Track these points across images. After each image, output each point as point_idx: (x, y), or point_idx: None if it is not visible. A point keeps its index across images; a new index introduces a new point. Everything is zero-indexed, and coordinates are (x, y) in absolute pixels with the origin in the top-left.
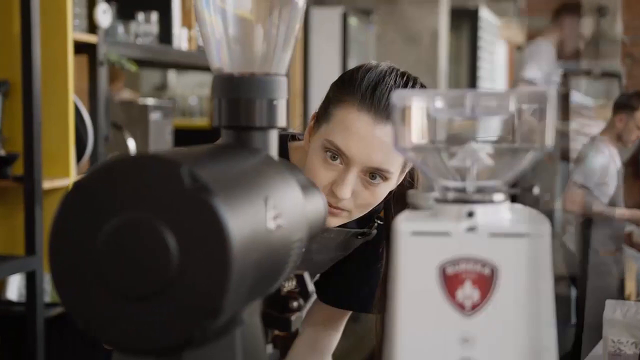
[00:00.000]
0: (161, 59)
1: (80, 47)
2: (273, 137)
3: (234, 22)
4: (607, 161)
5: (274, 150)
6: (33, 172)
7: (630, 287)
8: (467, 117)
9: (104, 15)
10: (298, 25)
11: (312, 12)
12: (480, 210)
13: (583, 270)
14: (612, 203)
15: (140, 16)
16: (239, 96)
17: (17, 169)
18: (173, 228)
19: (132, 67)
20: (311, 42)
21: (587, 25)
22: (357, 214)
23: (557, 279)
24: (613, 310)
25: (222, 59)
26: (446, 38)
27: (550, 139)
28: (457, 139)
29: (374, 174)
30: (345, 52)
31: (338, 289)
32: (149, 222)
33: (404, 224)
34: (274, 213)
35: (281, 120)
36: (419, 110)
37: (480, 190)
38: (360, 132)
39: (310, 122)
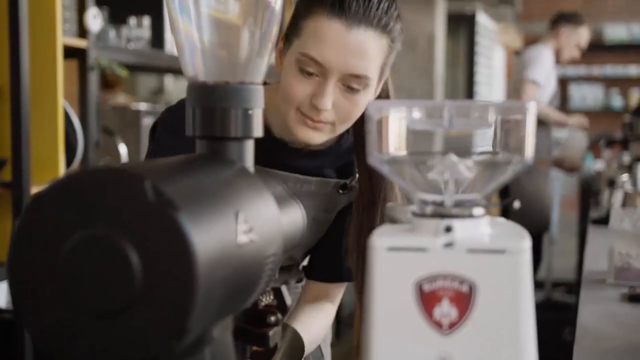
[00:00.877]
0: (153, 64)
1: (71, 52)
2: (249, 147)
3: (208, 29)
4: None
5: (249, 160)
6: (21, 178)
7: None
8: (445, 129)
9: (95, 19)
10: (275, 31)
11: None
12: (458, 225)
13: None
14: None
15: (132, 20)
16: (214, 105)
17: (5, 174)
18: (136, 244)
19: (123, 72)
20: None
21: (584, 34)
22: (341, 128)
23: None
24: (620, 219)
25: (196, 67)
26: (443, 43)
27: (530, 152)
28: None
29: (352, 85)
30: None
31: (323, 264)
32: (112, 237)
33: (380, 239)
34: (245, 227)
35: (257, 130)
36: (395, 121)
37: (459, 204)
38: (334, 40)
39: (279, 43)
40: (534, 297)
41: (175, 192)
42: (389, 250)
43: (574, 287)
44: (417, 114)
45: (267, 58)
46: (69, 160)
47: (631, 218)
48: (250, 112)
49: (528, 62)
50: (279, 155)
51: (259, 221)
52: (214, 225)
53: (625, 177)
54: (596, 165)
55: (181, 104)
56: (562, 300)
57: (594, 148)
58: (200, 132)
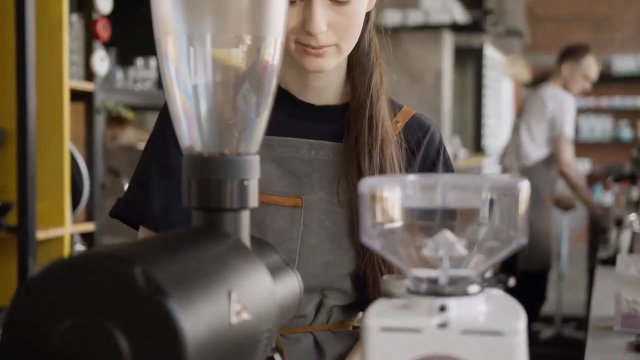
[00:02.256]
0: (160, 104)
1: (77, 95)
2: (245, 218)
3: (205, 100)
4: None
5: (245, 231)
6: (27, 223)
7: None
8: (439, 206)
9: (101, 62)
10: (270, 100)
11: None
12: (453, 303)
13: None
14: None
15: (139, 61)
16: (209, 177)
17: (11, 218)
18: (126, 331)
19: (129, 115)
20: None
21: (589, 64)
22: (347, 46)
23: None
24: (626, 265)
25: (192, 138)
26: (450, 78)
27: (523, 232)
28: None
29: None
30: None
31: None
32: (102, 325)
33: (374, 319)
34: (239, 307)
35: (253, 201)
36: (388, 198)
37: (453, 281)
38: None
39: None
40: None
41: (166, 277)
42: (382, 330)
43: (584, 323)
44: (410, 191)
45: (264, 126)
46: (75, 203)
47: (637, 264)
48: (246, 183)
49: (559, 115)
50: (295, 115)
51: (252, 298)
52: (206, 308)
53: (633, 216)
54: (605, 197)
55: None
56: (572, 337)
57: (603, 180)
58: (195, 203)
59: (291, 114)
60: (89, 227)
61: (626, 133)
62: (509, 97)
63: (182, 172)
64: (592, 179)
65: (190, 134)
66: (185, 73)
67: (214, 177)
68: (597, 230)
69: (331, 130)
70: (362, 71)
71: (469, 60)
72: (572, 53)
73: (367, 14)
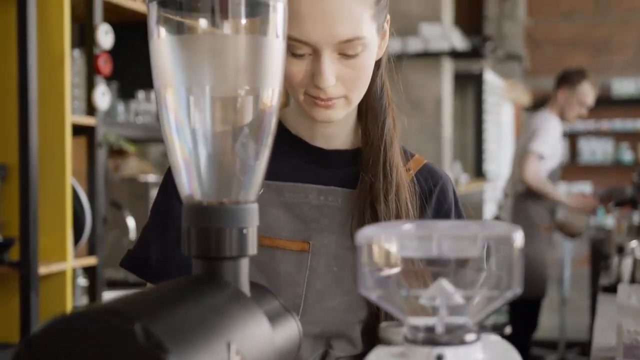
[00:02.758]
0: (160, 137)
1: (79, 129)
2: (244, 266)
3: (204, 150)
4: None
5: (244, 279)
6: (29, 258)
7: None
8: (435, 257)
9: (103, 97)
10: (268, 148)
11: None
12: (450, 352)
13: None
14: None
15: (141, 95)
16: (209, 226)
17: (13, 253)
18: None
19: (130, 148)
20: None
21: (585, 90)
22: (355, 97)
23: None
24: (627, 295)
25: (191, 187)
26: (450, 104)
27: (519, 282)
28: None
29: (348, 52)
30: None
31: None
32: None
33: None
34: (238, 358)
35: (252, 249)
36: (385, 248)
37: (450, 329)
38: (309, 12)
39: None
40: None
41: (165, 331)
42: None
43: (587, 348)
44: (406, 243)
45: (263, 174)
46: (77, 237)
47: (638, 294)
48: (245, 231)
49: (534, 132)
50: (305, 160)
51: (251, 348)
52: None
53: (634, 243)
54: (607, 220)
55: None
56: None
57: (605, 203)
58: (195, 251)
59: (302, 159)
60: (91, 260)
61: (627, 156)
62: (510, 122)
63: (181, 220)
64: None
65: (189, 182)
66: (185, 123)
67: (213, 225)
68: (599, 256)
69: (342, 175)
70: (375, 117)
71: (469, 85)
72: (567, 79)
73: (378, 60)
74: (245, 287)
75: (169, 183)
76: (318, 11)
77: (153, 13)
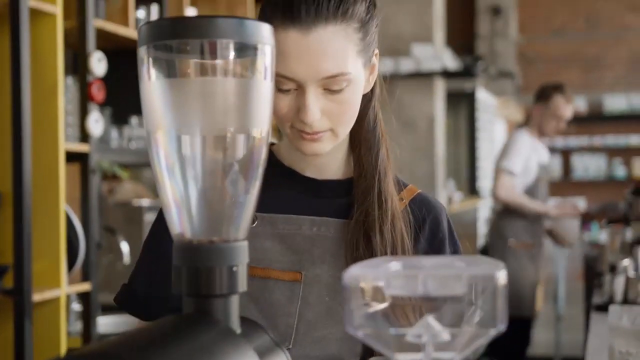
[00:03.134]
0: None
1: (73, 156)
2: (234, 302)
3: (194, 190)
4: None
5: (234, 316)
6: (23, 286)
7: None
8: (420, 296)
9: (96, 124)
10: (257, 186)
11: None
12: None
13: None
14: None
15: (134, 120)
16: (199, 264)
17: (7, 281)
18: None
19: (124, 175)
20: None
21: (558, 104)
22: (342, 130)
23: None
24: (619, 316)
25: (182, 226)
26: (443, 123)
27: (503, 319)
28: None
29: (333, 87)
30: None
31: None
32: None
33: None
34: None
35: (242, 285)
36: (371, 287)
37: None
38: (294, 49)
39: None
40: None
41: None
42: None
43: None
44: (392, 282)
45: (252, 213)
46: (71, 263)
47: (629, 315)
48: (235, 269)
49: (504, 149)
50: (298, 191)
51: None
52: None
53: (626, 261)
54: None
55: None
56: None
57: (599, 219)
58: (186, 289)
59: (295, 190)
60: (85, 287)
61: (620, 171)
62: (503, 139)
63: (172, 258)
64: (588, 218)
65: (180, 221)
66: (175, 163)
67: (203, 264)
68: (593, 272)
69: (335, 205)
70: (368, 148)
71: (462, 103)
72: (542, 94)
73: (372, 90)
74: (236, 324)
75: (160, 221)
76: (303, 49)
77: (144, 56)
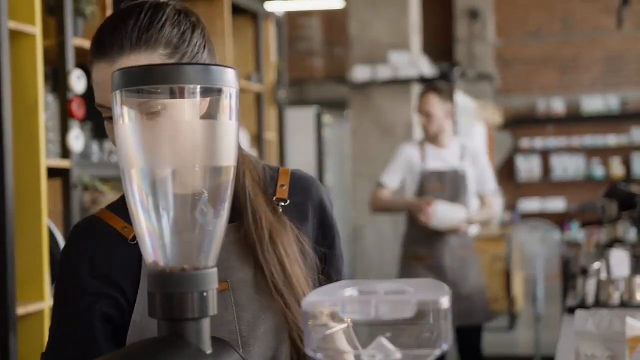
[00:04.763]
0: None
1: (54, 172)
2: (205, 325)
3: (165, 222)
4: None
5: (206, 337)
6: (7, 300)
7: None
8: (372, 319)
9: (77, 140)
10: (225, 216)
11: (287, 112)
12: None
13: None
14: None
15: None
16: (172, 291)
17: None
18: None
19: (105, 189)
20: (287, 141)
21: (419, 101)
22: None
23: None
24: (585, 321)
25: (156, 255)
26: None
27: (447, 339)
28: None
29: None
30: (321, 148)
31: None
32: None
33: None
34: None
35: (212, 309)
36: (328, 313)
37: None
38: (105, 79)
39: None
40: None
41: None
42: None
43: None
44: (347, 308)
45: (220, 239)
46: (54, 277)
47: (595, 319)
48: (205, 294)
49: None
50: None
51: None
52: None
53: (597, 265)
54: (579, 235)
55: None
56: None
57: (579, 218)
58: (160, 314)
59: None
60: None
61: (599, 171)
62: (483, 141)
63: (148, 285)
64: (568, 217)
65: (153, 251)
66: (148, 198)
67: (176, 290)
68: (568, 274)
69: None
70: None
71: None
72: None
73: None
74: (207, 345)
75: (69, 279)
76: (109, 77)
77: (117, 101)
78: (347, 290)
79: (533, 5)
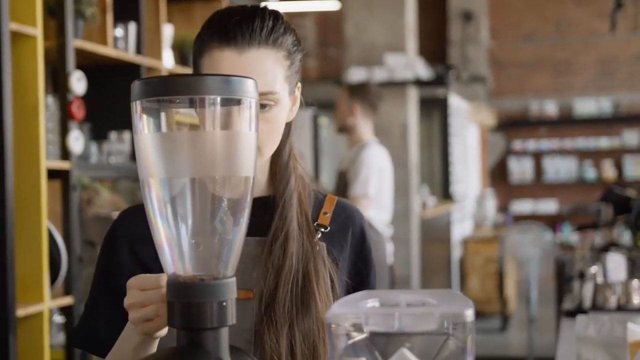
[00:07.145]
0: (133, 176)
1: (54, 173)
2: (224, 335)
3: (184, 233)
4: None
5: (224, 346)
6: (7, 301)
7: None
8: (396, 331)
9: (76, 142)
10: (244, 225)
11: None
12: None
13: None
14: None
15: (113, 135)
16: (191, 300)
17: None
18: None
19: (104, 191)
20: None
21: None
22: (267, 149)
23: None
24: (586, 326)
25: (175, 265)
26: (416, 131)
27: (471, 353)
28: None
29: (261, 102)
30: (317, 150)
31: None
32: None
33: None
34: None
35: (231, 319)
36: (352, 325)
37: None
38: (229, 66)
39: None
40: None
41: None
42: None
43: None
44: (371, 320)
45: (239, 250)
46: (53, 278)
47: (596, 324)
48: (224, 303)
49: None
50: None
51: None
52: None
53: (594, 269)
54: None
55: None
56: None
57: (571, 220)
58: (179, 324)
59: None
60: (67, 300)
61: (591, 173)
62: (476, 143)
63: (167, 295)
64: (559, 219)
65: (173, 262)
66: (167, 208)
67: (195, 300)
68: (563, 275)
69: (258, 224)
70: (280, 180)
71: (435, 109)
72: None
73: (289, 125)
74: (226, 354)
75: (108, 257)
76: (237, 66)
77: (137, 111)
78: (369, 302)
79: (526, 8)
